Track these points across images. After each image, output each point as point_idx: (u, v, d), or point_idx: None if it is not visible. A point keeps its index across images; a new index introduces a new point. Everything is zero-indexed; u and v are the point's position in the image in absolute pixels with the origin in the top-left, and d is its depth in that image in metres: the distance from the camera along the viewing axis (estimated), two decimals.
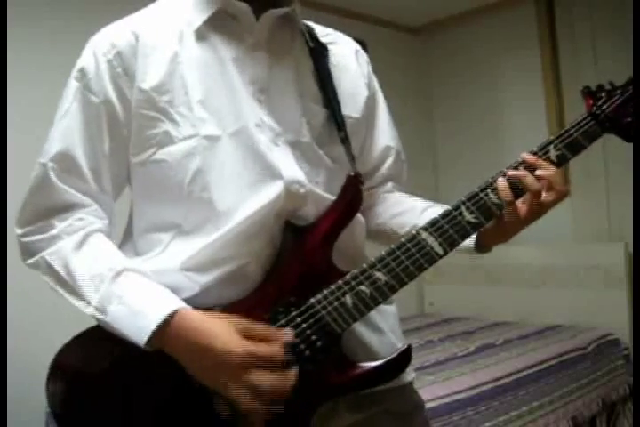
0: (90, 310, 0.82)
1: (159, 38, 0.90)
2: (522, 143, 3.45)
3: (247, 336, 0.78)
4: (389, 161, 1.09)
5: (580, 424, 2.34)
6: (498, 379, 2.18)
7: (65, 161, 0.88)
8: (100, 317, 0.82)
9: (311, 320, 0.85)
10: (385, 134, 1.09)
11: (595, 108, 0.90)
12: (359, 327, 0.92)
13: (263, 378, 0.76)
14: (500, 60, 3.49)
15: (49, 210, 0.88)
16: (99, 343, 0.86)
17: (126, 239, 0.96)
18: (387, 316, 1.00)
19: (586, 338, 2.66)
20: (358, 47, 1.08)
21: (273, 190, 0.87)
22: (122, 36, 0.89)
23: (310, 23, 1.03)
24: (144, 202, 0.93)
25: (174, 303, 0.81)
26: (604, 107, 0.89)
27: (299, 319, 0.85)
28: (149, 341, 0.78)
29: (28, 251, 0.89)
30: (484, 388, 2.10)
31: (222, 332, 0.78)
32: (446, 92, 3.73)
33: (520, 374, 2.25)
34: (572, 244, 3.16)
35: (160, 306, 0.81)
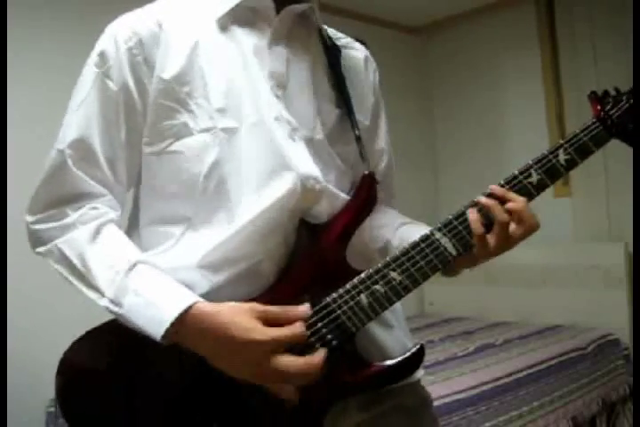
0: (104, 302, 0.81)
1: (181, 27, 0.89)
2: (522, 143, 3.49)
3: (266, 321, 0.77)
4: (381, 165, 1.08)
5: (580, 424, 2.34)
6: (498, 379, 2.17)
7: (82, 149, 0.86)
8: (115, 309, 0.80)
9: (327, 319, 0.84)
10: (382, 140, 1.09)
11: (602, 113, 0.90)
12: (372, 326, 0.92)
13: (290, 363, 0.76)
14: (499, 60, 3.49)
15: (63, 197, 0.86)
16: (111, 338, 0.85)
17: (129, 231, 0.94)
18: (396, 313, 1.00)
19: (586, 338, 2.66)
20: (368, 54, 1.08)
21: (287, 184, 0.86)
22: (144, 23, 0.88)
23: (323, 26, 1.03)
24: (152, 194, 0.92)
25: (191, 297, 0.80)
26: (612, 112, 0.89)
27: (314, 318, 0.84)
28: (166, 333, 0.77)
29: (40, 239, 0.87)
30: (484, 388, 2.10)
31: (242, 321, 0.76)
32: (446, 92, 3.73)
33: (520, 374, 2.24)
34: (571, 244, 3.16)
35: (177, 299, 0.79)
